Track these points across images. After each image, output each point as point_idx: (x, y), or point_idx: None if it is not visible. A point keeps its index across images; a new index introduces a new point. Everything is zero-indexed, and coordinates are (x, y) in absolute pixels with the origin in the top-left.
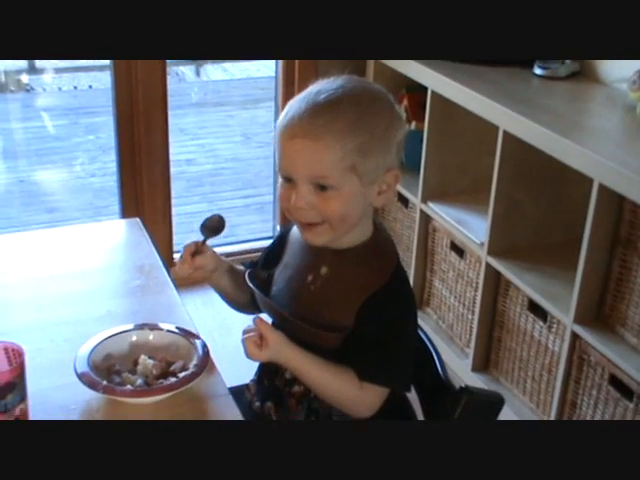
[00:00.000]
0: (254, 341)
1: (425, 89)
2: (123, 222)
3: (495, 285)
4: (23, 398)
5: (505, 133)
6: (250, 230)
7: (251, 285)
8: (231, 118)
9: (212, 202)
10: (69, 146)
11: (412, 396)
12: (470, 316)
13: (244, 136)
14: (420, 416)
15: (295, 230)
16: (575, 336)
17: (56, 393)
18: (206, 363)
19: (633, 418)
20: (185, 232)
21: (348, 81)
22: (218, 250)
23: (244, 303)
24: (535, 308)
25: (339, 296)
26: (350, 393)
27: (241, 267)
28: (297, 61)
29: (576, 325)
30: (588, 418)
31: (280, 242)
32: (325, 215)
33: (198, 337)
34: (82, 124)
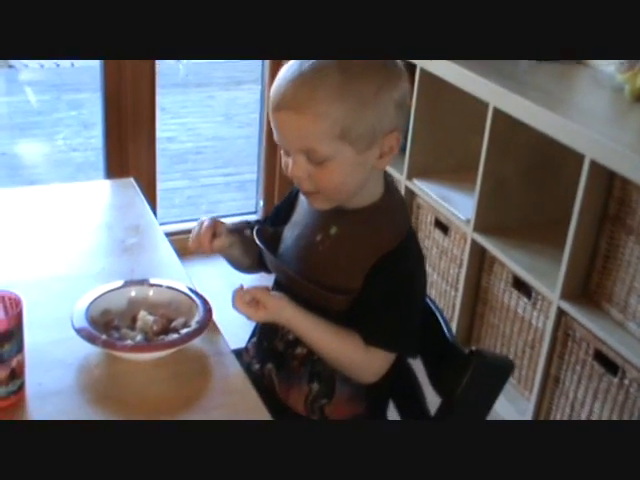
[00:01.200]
0: (246, 301)
1: (414, 66)
2: (117, 182)
3: (480, 262)
4: (20, 349)
5: (495, 110)
6: (231, 207)
7: (259, 243)
8: (212, 99)
9: (193, 179)
10: (51, 121)
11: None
12: (453, 293)
13: (225, 116)
14: (426, 384)
15: None
16: (561, 312)
17: (53, 348)
18: (209, 320)
19: (617, 393)
20: (167, 207)
21: None
22: None
23: (251, 265)
24: (520, 285)
25: (348, 257)
26: (355, 357)
27: (248, 232)
28: None
29: (562, 301)
30: (571, 394)
31: (290, 199)
32: (319, 186)
33: (199, 294)
34: (64, 100)
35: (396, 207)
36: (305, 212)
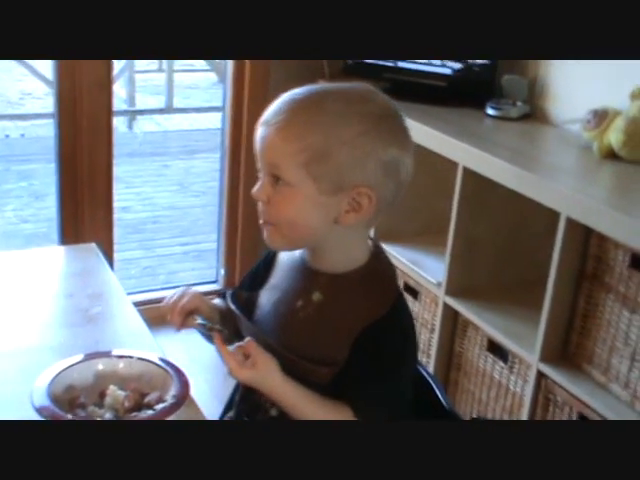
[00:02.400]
0: (237, 358)
1: None
2: (76, 247)
3: (452, 326)
4: None
5: (465, 169)
6: (190, 276)
7: (233, 307)
8: (166, 168)
9: (149, 249)
10: (0, 192)
11: None
12: (425, 359)
13: (180, 185)
14: None
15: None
16: (540, 375)
17: None
18: (186, 394)
19: None
20: (123, 278)
21: (350, 85)
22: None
23: (228, 337)
24: (495, 348)
25: (332, 326)
26: None
27: (221, 304)
28: (245, 114)
29: (542, 364)
30: None
31: (267, 261)
32: (273, 215)
33: (174, 365)
34: (14, 171)
35: (384, 273)
36: (284, 275)
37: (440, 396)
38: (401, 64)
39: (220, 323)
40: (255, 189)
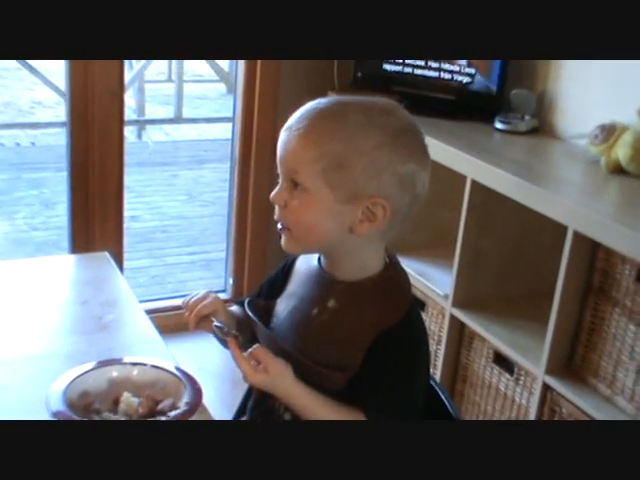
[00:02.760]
0: (251, 364)
1: None
2: (89, 256)
3: (459, 338)
4: None
5: (473, 183)
6: (199, 286)
7: (251, 315)
8: (175, 177)
9: (158, 258)
10: (11, 200)
11: None
12: (431, 370)
13: (188, 195)
14: None
15: (302, 259)
16: (546, 387)
17: None
18: (199, 401)
19: None
20: (132, 287)
21: (373, 99)
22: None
23: (244, 345)
24: (501, 361)
25: (347, 332)
26: None
27: (238, 311)
28: (255, 125)
29: (548, 376)
30: None
31: (285, 270)
32: (289, 220)
33: (187, 373)
34: (25, 179)
35: (398, 281)
36: (301, 283)
37: (448, 406)
38: (410, 77)
39: (236, 329)
40: (273, 193)
